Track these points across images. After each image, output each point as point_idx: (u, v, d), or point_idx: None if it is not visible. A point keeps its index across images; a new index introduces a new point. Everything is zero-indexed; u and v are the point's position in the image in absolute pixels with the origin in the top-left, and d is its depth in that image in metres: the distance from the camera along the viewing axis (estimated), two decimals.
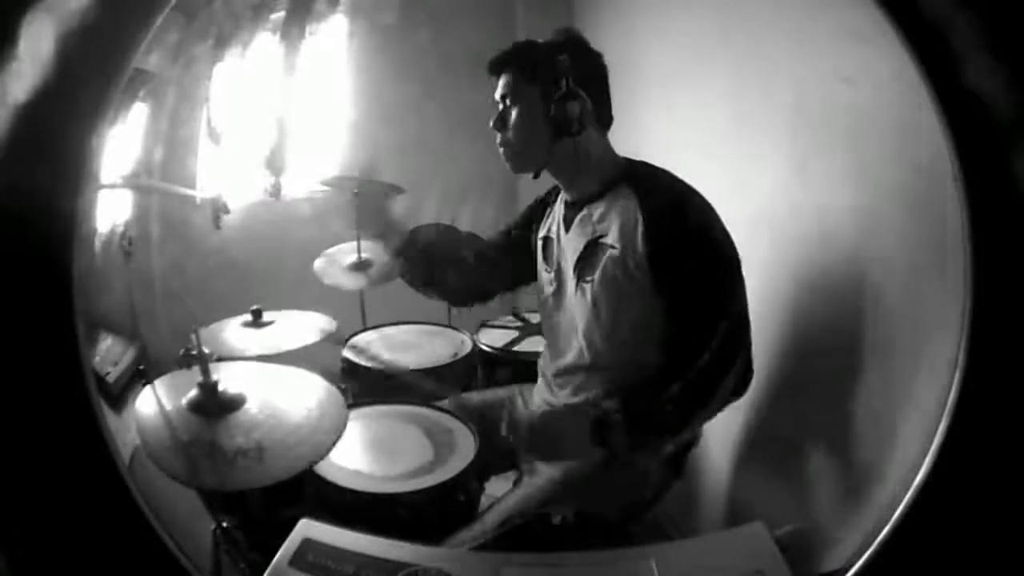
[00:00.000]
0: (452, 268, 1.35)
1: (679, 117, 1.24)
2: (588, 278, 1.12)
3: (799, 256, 1.14)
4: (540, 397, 1.25)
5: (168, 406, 0.96)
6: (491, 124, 1.14)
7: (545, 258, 1.24)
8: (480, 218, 1.42)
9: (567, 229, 1.18)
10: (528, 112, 1.11)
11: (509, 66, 1.12)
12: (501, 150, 1.14)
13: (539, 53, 1.10)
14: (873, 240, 1.01)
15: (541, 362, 1.26)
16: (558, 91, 1.06)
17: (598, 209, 1.13)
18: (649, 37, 1.26)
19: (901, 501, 0.71)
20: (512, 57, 1.12)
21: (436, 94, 1.27)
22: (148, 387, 0.99)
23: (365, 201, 1.37)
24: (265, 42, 1.29)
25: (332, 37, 1.36)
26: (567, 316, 1.17)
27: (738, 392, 1.08)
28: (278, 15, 1.29)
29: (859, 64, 0.90)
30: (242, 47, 1.26)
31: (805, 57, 1.03)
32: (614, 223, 1.09)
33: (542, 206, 1.26)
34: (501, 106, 1.13)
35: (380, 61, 1.37)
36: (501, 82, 1.13)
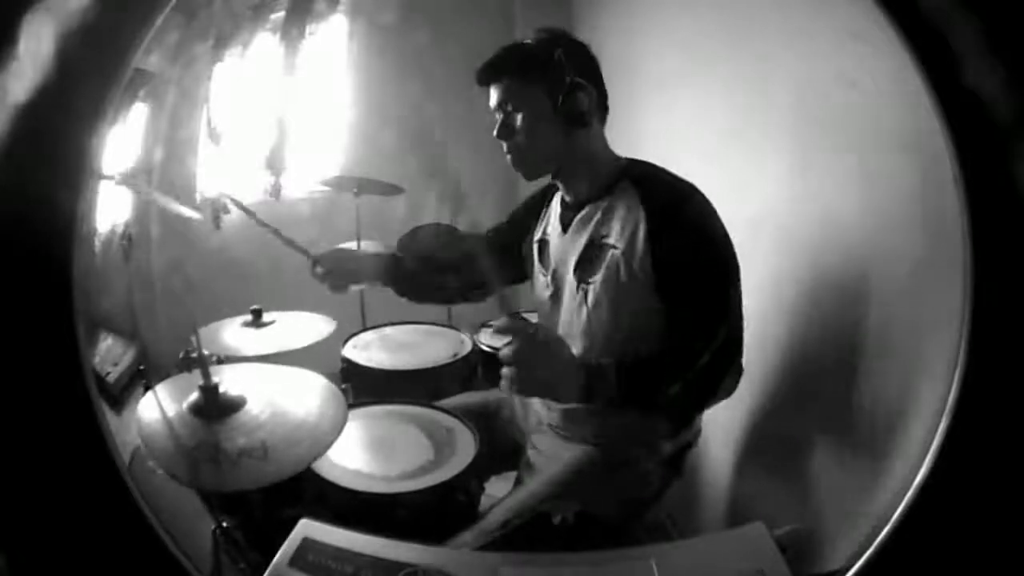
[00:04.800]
0: (445, 276, 1.32)
1: (679, 117, 1.24)
2: (590, 280, 1.10)
3: (799, 256, 1.14)
4: None
5: (170, 411, 0.96)
6: (495, 134, 1.11)
7: (541, 261, 1.22)
8: (480, 218, 1.42)
9: (564, 230, 1.16)
10: (536, 112, 1.08)
11: (504, 71, 1.10)
12: (509, 157, 1.11)
13: (534, 52, 1.08)
14: (873, 240, 1.01)
15: None
16: (564, 85, 1.05)
17: (599, 209, 1.11)
18: (649, 37, 1.26)
19: (901, 501, 0.71)
20: (506, 62, 1.10)
21: (436, 94, 1.27)
22: (150, 392, 0.99)
23: (333, 267, 1.31)
24: (265, 42, 1.29)
25: (332, 37, 1.36)
26: (566, 319, 1.16)
27: (726, 392, 1.08)
28: (278, 15, 1.29)
29: (859, 64, 0.90)
30: (242, 47, 1.26)
31: (805, 57, 1.03)
32: (616, 223, 1.08)
33: (537, 208, 1.25)
34: (501, 114, 1.10)
35: (380, 61, 1.37)
36: (497, 90, 1.10)
